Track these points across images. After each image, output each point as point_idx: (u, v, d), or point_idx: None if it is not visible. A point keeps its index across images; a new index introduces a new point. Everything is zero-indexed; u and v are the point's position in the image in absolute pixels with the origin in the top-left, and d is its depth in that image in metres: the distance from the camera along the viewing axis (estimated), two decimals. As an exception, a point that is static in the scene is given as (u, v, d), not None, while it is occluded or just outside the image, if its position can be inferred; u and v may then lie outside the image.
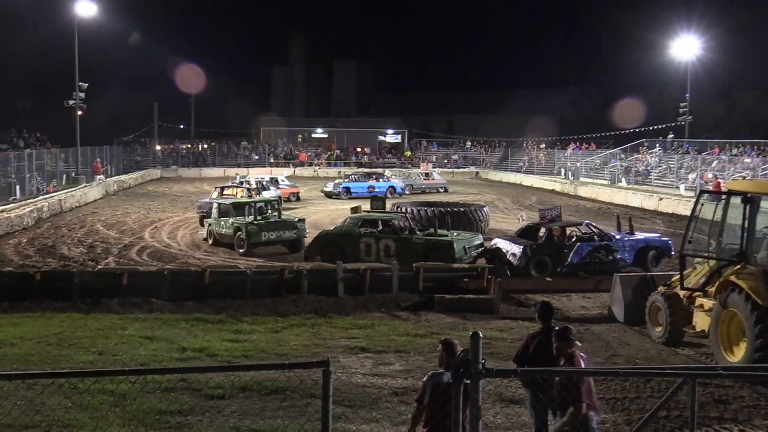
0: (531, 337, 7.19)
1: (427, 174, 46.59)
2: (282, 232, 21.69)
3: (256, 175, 40.80)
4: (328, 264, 17.27)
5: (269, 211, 22.94)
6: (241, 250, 21.15)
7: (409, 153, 68.61)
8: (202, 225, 25.16)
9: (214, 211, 23.02)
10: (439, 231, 19.62)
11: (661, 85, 65.87)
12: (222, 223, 22.34)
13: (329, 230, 21.11)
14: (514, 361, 7.23)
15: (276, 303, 14.88)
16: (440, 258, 17.94)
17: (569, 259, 18.25)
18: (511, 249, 18.50)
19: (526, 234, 19.59)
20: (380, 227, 20.06)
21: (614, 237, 18.99)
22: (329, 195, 39.31)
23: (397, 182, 42.18)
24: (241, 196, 27.39)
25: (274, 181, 36.83)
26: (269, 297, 15.16)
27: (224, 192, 29.22)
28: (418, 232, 19.93)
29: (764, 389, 9.75)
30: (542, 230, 19.05)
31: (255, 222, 21.54)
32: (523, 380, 7.09)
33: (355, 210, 21.78)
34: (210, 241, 22.80)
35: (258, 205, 23.22)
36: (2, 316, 13.63)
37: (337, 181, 41.83)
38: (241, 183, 33.33)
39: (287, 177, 43.23)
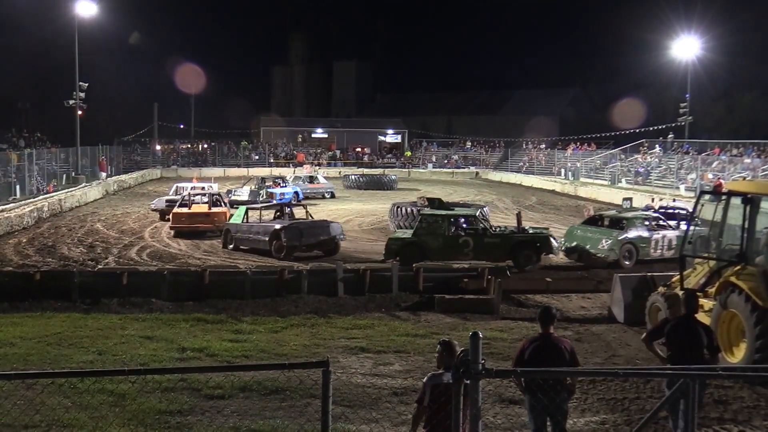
0: (529, 341, 7.12)
1: (311, 178, 41.13)
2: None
3: (184, 184, 33.12)
4: (327, 264, 17.25)
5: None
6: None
7: (409, 153, 68.58)
8: (164, 219, 26.50)
9: (425, 223, 19.60)
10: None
11: (661, 85, 65.77)
12: (443, 239, 19.27)
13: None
14: (513, 366, 7.21)
15: (276, 303, 14.88)
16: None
17: None
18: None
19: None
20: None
21: None
22: (234, 204, 28.24)
23: (298, 187, 37.00)
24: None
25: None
26: (269, 297, 15.16)
27: (187, 205, 24.99)
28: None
29: (764, 390, 9.75)
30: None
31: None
32: (522, 384, 7.06)
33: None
34: (395, 259, 18.49)
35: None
36: (2, 316, 13.63)
37: (252, 187, 35.13)
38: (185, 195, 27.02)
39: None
